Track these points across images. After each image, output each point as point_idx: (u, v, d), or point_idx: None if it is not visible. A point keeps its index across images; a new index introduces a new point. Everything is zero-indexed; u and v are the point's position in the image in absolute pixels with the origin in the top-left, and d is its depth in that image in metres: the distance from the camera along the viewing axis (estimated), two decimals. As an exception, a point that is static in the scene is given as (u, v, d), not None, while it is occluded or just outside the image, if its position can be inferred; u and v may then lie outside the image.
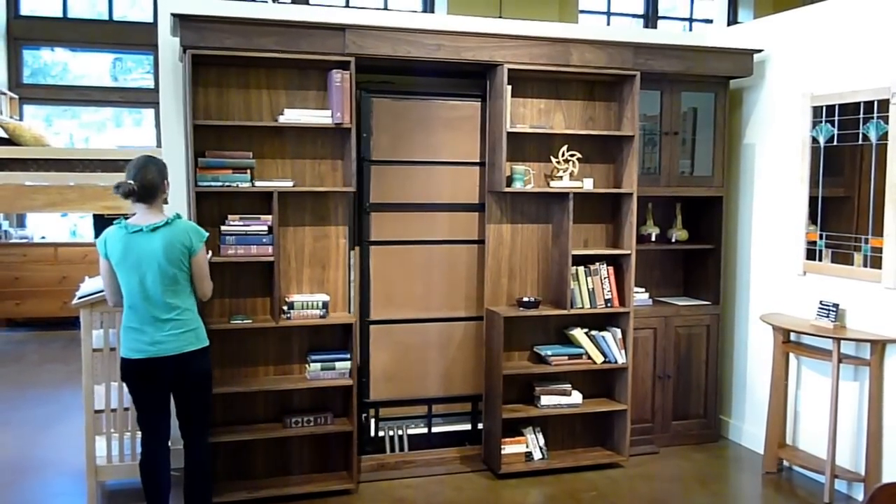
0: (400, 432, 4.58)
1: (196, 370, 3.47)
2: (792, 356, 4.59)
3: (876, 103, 4.05)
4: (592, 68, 4.42)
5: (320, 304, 4.14)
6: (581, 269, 4.53)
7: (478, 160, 4.58)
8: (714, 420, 5.09)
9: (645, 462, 4.70)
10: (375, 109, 4.37)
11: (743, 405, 5.08)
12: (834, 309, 4.21)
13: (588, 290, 4.55)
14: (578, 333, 4.58)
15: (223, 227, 4.02)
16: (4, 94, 9.22)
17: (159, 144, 5.22)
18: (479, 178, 4.60)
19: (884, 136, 4.02)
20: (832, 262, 4.36)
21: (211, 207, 4.07)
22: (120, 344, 3.53)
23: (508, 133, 4.34)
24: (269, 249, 4.05)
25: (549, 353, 4.52)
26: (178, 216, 3.46)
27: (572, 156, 4.55)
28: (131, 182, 3.34)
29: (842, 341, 4.11)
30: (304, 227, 4.28)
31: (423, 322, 4.58)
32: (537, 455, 4.56)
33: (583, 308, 4.54)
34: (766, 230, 4.86)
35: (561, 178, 4.54)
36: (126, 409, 3.99)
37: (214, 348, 4.12)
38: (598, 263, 4.57)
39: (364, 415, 4.48)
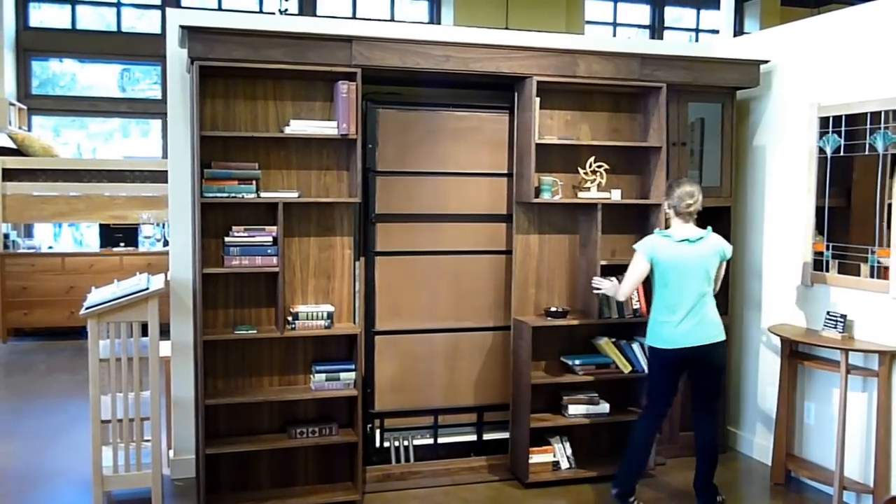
0: (405, 443, 4.57)
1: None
2: (800, 367, 4.57)
3: (883, 114, 4.04)
4: (599, 79, 4.43)
5: (325, 315, 4.14)
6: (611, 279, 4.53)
7: (486, 171, 4.58)
8: (722, 431, 5.05)
9: (652, 473, 4.67)
10: (381, 120, 4.38)
11: (751, 416, 5.05)
12: (842, 320, 4.19)
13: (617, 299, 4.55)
14: (606, 343, 4.59)
15: (227, 238, 4.03)
16: (13, 104, 9.29)
17: (166, 155, 5.24)
18: (487, 189, 4.60)
19: (891, 147, 4.01)
20: (839, 272, 4.35)
21: (216, 218, 4.09)
22: (650, 336, 4.10)
23: (537, 145, 4.36)
24: (274, 260, 4.06)
25: (578, 362, 4.54)
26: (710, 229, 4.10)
27: (600, 167, 4.57)
28: (688, 209, 4.00)
29: (850, 352, 4.09)
30: (309, 237, 4.28)
31: (429, 333, 4.57)
32: (564, 464, 4.57)
33: (611, 318, 4.56)
34: (774, 240, 4.85)
35: (589, 189, 4.56)
36: (132, 420, 4.00)
37: (218, 358, 4.15)
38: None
39: (369, 425, 4.47)
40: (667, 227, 4.20)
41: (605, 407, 4.59)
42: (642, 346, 4.56)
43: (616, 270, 4.52)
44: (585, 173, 4.56)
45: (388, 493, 4.33)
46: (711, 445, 4.10)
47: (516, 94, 4.51)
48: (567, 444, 4.60)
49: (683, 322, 3.96)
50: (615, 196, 4.57)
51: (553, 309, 4.53)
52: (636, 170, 4.76)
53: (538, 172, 4.43)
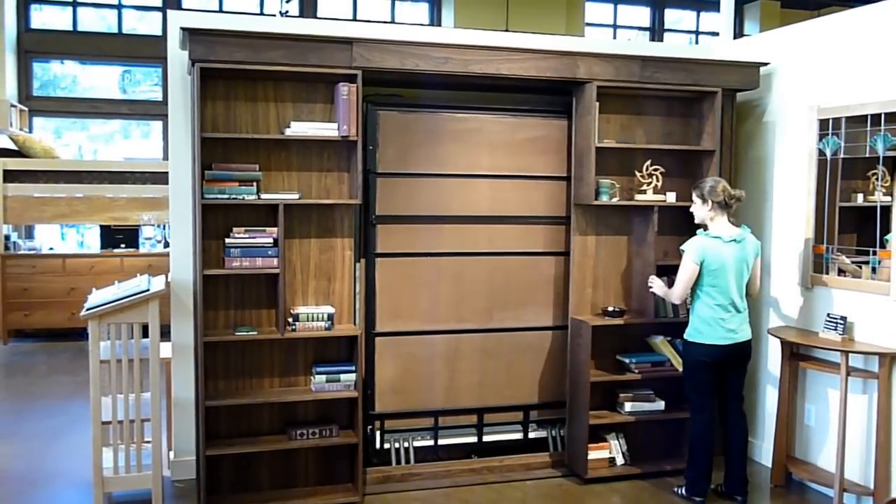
0: (406, 444, 4.57)
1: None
2: (800, 369, 4.57)
3: (883, 116, 4.05)
4: (600, 80, 4.44)
5: (325, 316, 4.15)
6: (664, 279, 4.59)
7: (486, 173, 4.59)
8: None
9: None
10: (381, 122, 4.39)
11: (751, 418, 5.03)
12: (842, 322, 4.19)
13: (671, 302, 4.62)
14: (662, 342, 4.67)
15: (228, 240, 4.04)
16: (15, 106, 9.29)
17: (166, 157, 5.25)
18: (487, 190, 4.60)
19: (891, 149, 4.01)
20: (839, 274, 4.35)
21: (217, 219, 4.10)
22: (698, 332, 4.18)
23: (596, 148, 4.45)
24: (275, 261, 4.06)
25: (633, 360, 4.63)
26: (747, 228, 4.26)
27: (656, 170, 4.66)
28: (741, 193, 4.17)
29: (850, 354, 4.09)
30: (309, 239, 4.29)
31: (429, 334, 4.57)
32: (620, 460, 4.67)
33: (666, 317, 4.65)
34: (773, 243, 4.85)
35: (645, 191, 4.65)
36: (132, 421, 4.00)
37: (218, 359, 4.15)
38: None
39: (369, 427, 4.47)
40: (705, 228, 4.24)
41: (660, 404, 4.71)
42: None
43: (669, 270, 4.59)
44: (642, 176, 4.67)
45: (389, 495, 4.33)
46: (746, 442, 4.32)
47: (574, 99, 4.58)
48: (623, 441, 4.71)
49: (732, 320, 4.13)
50: (670, 198, 4.66)
51: (610, 308, 4.64)
52: (688, 173, 4.83)
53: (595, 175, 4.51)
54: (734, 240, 4.11)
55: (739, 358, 4.23)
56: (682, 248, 4.20)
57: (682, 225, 4.76)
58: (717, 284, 4.10)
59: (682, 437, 4.79)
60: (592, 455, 4.56)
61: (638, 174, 4.68)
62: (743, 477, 4.28)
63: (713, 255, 4.09)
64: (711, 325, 4.12)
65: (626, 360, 4.66)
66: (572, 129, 4.64)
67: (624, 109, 4.78)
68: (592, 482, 4.53)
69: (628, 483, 4.56)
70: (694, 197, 4.24)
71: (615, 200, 4.59)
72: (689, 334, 4.23)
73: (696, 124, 4.81)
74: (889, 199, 4.13)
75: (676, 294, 4.21)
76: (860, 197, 4.38)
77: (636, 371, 4.62)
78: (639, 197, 4.67)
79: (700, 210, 4.21)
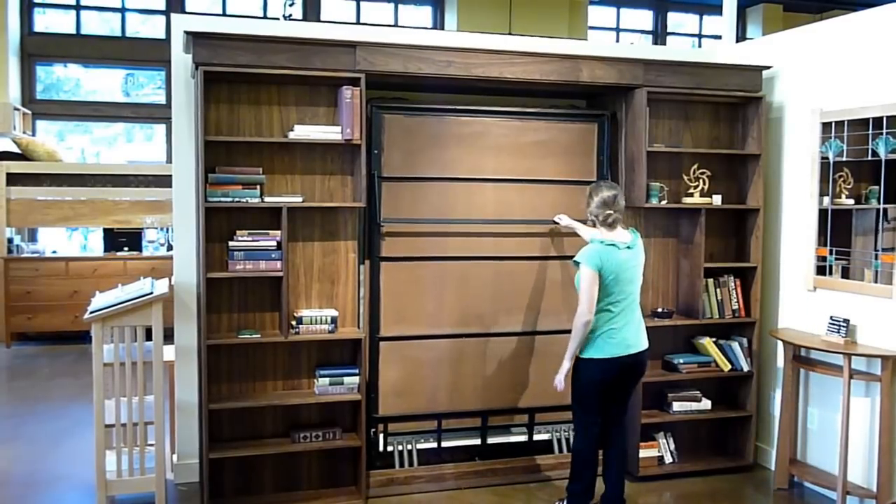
0: (409, 447, 4.57)
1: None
2: (803, 372, 4.57)
3: (885, 119, 4.05)
4: (602, 84, 4.45)
5: (329, 319, 4.15)
6: (710, 280, 4.71)
7: (488, 176, 4.58)
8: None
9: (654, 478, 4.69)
10: (386, 125, 4.38)
11: (757, 423, 5.04)
12: (844, 324, 4.19)
13: (717, 300, 4.73)
14: (707, 342, 4.73)
15: (231, 243, 4.05)
16: (18, 109, 9.32)
17: (170, 160, 5.26)
18: (494, 195, 4.59)
19: (893, 152, 4.02)
20: (842, 277, 4.35)
21: (220, 223, 4.10)
22: (594, 348, 3.85)
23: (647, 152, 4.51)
24: (278, 264, 4.07)
25: (681, 361, 4.70)
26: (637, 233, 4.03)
27: (702, 173, 4.73)
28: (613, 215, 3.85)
29: (852, 357, 4.09)
30: (313, 242, 4.29)
31: (433, 339, 4.56)
32: (668, 459, 4.76)
33: (712, 318, 4.72)
34: (776, 245, 4.85)
35: (692, 194, 4.73)
36: (135, 424, 4.01)
37: (222, 362, 4.16)
38: (726, 276, 4.75)
39: (373, 430, 4.47)
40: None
41: (706, 404, 4.78)
42: (741, 345, 4.78)
43: (716, 272, 4.72)
44: (689, 179, 4.75)
45: (392, 498, 4.33)
46: (625, 458, 4.15)
47: (624, 105, 4.64)
48: (671, 440, 4.78)
49: (625, 329, 3.85)
50: (716, 201, 4.74)
51: (659, 309, 4.74)
52: (732, 176, 4.92)
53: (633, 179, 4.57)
54: (628, 246, 3.86)
55: (636, 371, 3.96)
56: (577, 259, 3.86)
57: (728, 227, 4.92)
58: (614, 294, 3.80)
59: (728, 436, 4.93)
60: (643, 454, 4.66)
61: (685, 177, 4.76)
62: (621, 494, 4.04)
63: (610, 263, 3.78)
64: (605, 337, 3.81)
65: (675, 361, 4.73)
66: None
67: (672, 114, 4.84)
68: (644, 480, 4.62)
69: (677, 481, 4.65)
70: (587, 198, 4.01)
71: (664, 203, 4.67)
72: (585, 352, 3.87)
73: (741, 129, 4.88)
74: (851, 202, 4.34)
75: (583, 311, 3.76)
76: (825, 200, 4.43)
77: (684, 371, 4.68)
78: (686, 199, 4.74)
79: (588, 215, 4.01)
